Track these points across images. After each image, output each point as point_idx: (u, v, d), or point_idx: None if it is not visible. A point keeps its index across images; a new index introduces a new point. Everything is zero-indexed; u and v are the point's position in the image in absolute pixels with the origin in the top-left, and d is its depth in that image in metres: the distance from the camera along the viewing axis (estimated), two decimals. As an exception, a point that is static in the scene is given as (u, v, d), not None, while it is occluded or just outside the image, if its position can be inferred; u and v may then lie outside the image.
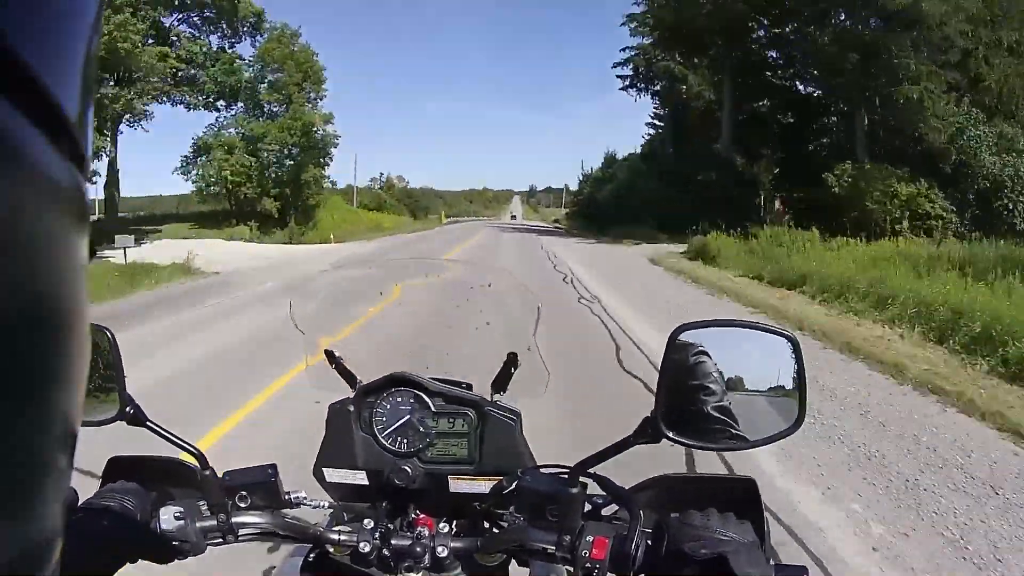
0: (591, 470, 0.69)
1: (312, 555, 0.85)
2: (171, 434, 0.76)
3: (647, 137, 33.56)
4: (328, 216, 26.59)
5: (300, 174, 23.11)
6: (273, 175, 23.89)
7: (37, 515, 0.17)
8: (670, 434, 0.62)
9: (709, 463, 2.87)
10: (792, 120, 24.43)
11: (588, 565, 0.67)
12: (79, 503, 0.72)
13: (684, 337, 0.63)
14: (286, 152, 23.82)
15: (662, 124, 31.18)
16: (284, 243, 20.75)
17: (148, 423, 0.76)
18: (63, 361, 0.17)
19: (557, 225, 51.29)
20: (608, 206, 29.94)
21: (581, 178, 54.04)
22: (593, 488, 0.71)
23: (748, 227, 15.89)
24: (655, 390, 0.64)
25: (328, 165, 25.45)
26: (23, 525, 0.16)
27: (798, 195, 22.19)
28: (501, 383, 0.87)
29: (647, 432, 0.64)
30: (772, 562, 0.62)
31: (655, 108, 30.93)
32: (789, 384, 0.67)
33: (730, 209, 21.01)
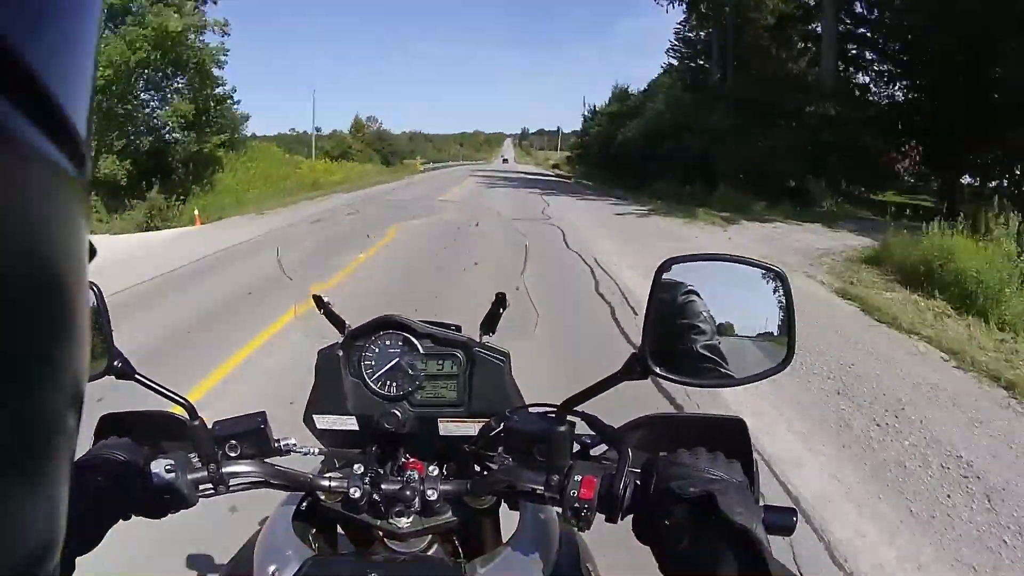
0: (579, 409, 0.75)
1: (304, 503, 0.92)
2: (160, 386, 0.83)
3: (668, 67, 28.10)
4: (242, 172, 19.87)
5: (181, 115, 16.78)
6: (122, 118, 16.27)
7: (50, 474, 0.20)
8: (657, 370, 0.67)
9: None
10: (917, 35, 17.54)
11: (576, 505, 0.72)
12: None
13: (671, 272, 0.69)
14: (144, 80, 16.81)
15: (695, 47, 25.29)
16: (141, 228, 14.17)
17: (136, 376, 0.83)
18: (70, 329, 0.21)
19: (560, 173, 45.80)
20: (633, 149, 23.78)
21: (587, 115, 47.79)
22: (583, 428, 0.79)
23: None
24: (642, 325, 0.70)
25: (230, 99, 18.65)
26: (38, 484, 0.19)
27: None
28: (490, 324, 0.94)
29: (635, 369, 0.68)
30: (761, 502, 0.67)
31: (677, 30, 25.47)
32: (778, 319, 0.72)
33: (846, 161, 15.23)
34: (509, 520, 0.91)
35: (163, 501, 0.79)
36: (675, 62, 26.91)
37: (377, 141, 59.92)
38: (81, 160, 0.21)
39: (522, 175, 37.91)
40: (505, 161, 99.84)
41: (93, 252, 0.24)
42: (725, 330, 0.69)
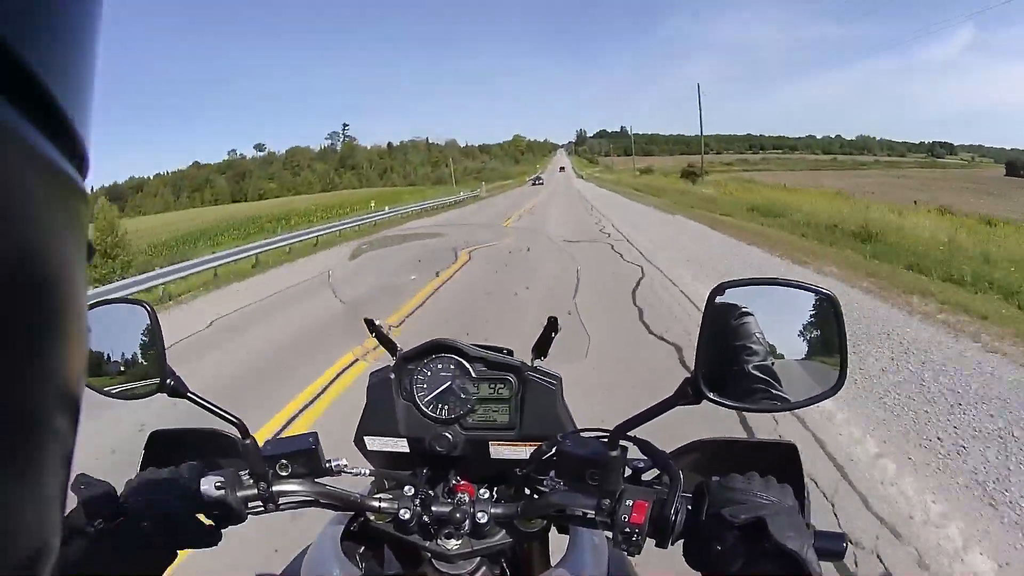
0: (632, 434, 0.78)
1: (353, 523, 0.95)
2: (212, 404, 0.87)
3: None
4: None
5: None
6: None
7: (42, 476, 0.21)
8: (711, 395, 0.69)
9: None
10: None
11: (628, 530, 0.74)
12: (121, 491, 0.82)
13: (724, 296, 0.71)
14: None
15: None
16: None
17: (189, 394, 0.86)
18: (66, 330, 0.21)
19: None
20: None
21: None
22: (634, 453, 0.81)
23: None
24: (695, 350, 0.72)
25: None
26: (29, 486, 0.20)
27: None
28: (542, 348, 0.96)
29: (688, 393, 0.71)
30: (812, 528, 0.70)
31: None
32: (830, 343, 0.75)
33: None
34: (556, 544, 0.95)
35: (212, 517, 0.85)
36: None
37: (345, 165, 55.41)
38: (81, 160, 0.22)
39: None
40: (562, 170, 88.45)
41: (92, 252, 0.25)
42: (777, 352, 0.72)
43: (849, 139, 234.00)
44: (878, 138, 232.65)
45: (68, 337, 0.21)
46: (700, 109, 46.48)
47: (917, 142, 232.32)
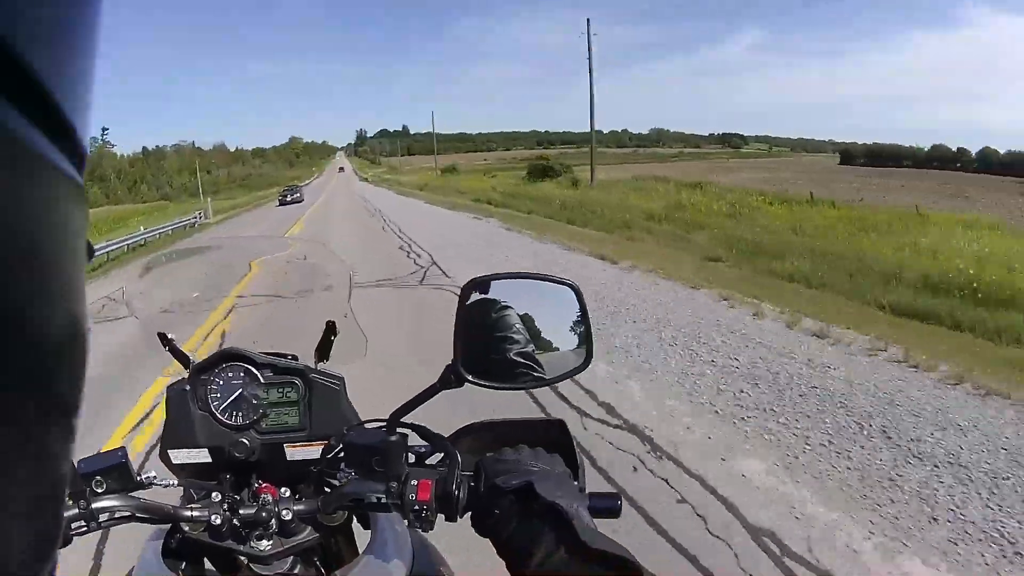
0: (409, 421, 0.86)
1: (172, 539, 0.96)
2: None
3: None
4: None
5: None
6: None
7: (39, 476, 0.21)
8: (470, 378, 0.78)
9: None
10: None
11: (417, 508, 0.80)
12: None
13: (476, 288, 0.79)
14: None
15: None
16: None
17: None
18: (69, 330, 0.21)
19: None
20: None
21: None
22: (419, 441, 0.89)
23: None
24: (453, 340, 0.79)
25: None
26: (26, 484, 0.20)
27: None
28: (323, 351, 1.03)
29: (450, 379, 0.79)
30: (585, 492, 0.77)
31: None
32: (578, 326, 0.84)
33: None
34: (364, 538, 1.00)
35: None
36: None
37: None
38: (81, 161, 0.22)
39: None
40: (341, 171, 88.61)
41: (91, 252, 0.25)
42: (529, 331, 0.81)
43: (641, 133, 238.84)
44: (671, 130, 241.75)
45: (67, 337, 0.21)
46: (590, 59, 28.71)
47: (706, 134, 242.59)
